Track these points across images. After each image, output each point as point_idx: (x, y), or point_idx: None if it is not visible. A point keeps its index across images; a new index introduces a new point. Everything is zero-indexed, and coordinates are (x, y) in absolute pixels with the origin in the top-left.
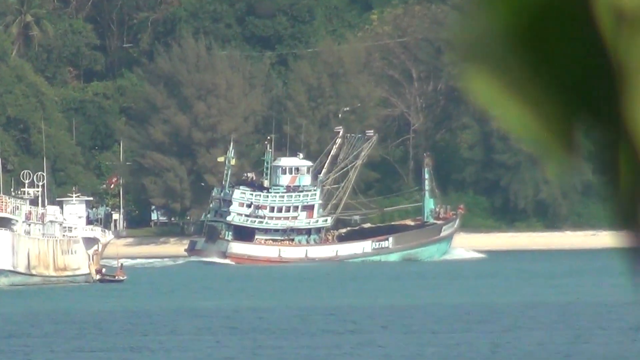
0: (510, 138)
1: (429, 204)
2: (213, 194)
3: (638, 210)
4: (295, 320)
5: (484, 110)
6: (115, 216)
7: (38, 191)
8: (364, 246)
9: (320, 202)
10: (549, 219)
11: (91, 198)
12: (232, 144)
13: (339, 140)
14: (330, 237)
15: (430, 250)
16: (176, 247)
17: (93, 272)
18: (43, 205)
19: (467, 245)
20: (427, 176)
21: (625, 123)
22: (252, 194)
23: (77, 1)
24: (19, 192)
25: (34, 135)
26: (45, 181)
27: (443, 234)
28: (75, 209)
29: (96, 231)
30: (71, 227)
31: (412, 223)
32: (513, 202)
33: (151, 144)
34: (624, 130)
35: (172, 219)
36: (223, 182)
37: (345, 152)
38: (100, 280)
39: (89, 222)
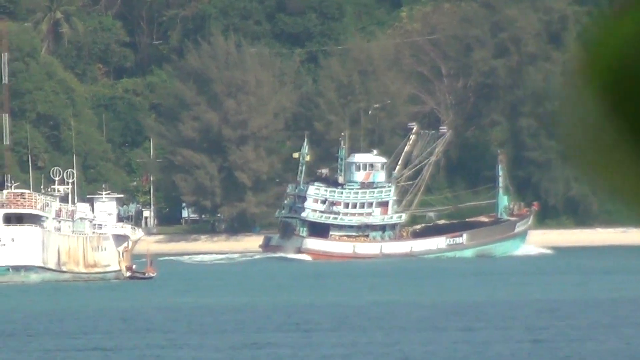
0: (541, 134)
1: (503, 200)
2: (288, 190)
3: None
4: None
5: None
6: (145, 213)
7: (68, 188)
8: (438, 242)
9: (395, 198)
10: (579, 216)
11: (121, 195)
12: (306, 139)
13: (412, 137)
14: (404, 234)
15: (504, 246)
16: (207, 245)
17: (123, 268)
18: (73, 203)
19: None
20: (500, 173)
21: None
22: (326, 190)
23: None
24: (49, 189)
25: (64, 132)
26: (75, 178)
27: (517, 230)
28: (106, 206)
29: (126, 228)
30: (101, 224)
31: (486, 219)
32: (544, 199)
33: (181, 141)
34: None
35: (203, 216)
36: (297, 179)
37: (419, 148)
38: (131, 277)
39: (120, 219)
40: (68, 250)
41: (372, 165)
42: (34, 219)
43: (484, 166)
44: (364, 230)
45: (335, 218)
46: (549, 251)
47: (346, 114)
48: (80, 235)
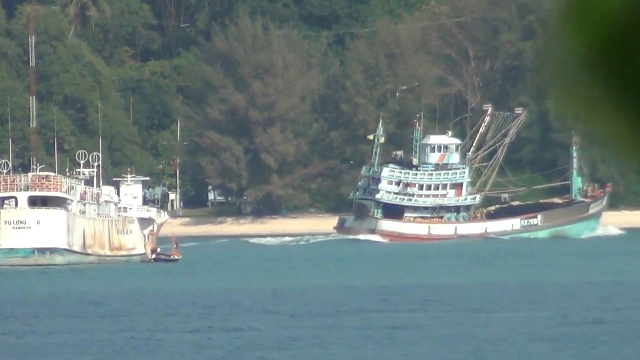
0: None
1: (577, 182)
2: (362, 172)
3: None
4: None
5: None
6: (171, 196)
7: (93, 171)
8: (513, 223)
9: (469, 179)
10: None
11: (147, 178)
12: (381, 121)
13: (487, 118)
14: (479, 215)
15: (578, 227)
16: (233, 227)
17: (148, 251)
18: (98, 185)
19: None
20: (575, 155)
21: None
22: (401, 172)
23: None
24: (75, 172)
25: (91, 114)
26: (100, 161)
27: (591, 211)
28: (131, 189)
29: (151, 211)
30: (126, 207)
31: (560, 201)
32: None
33: (208, 124)
34: None
35: (229, 198)
36: (372, 160)
37: (494, 130)
38: (156, 260)
39: (145, 202)
40: (93, 233)
41: (446, 147)
42: (59, 202)
43: (511, 148)
44: (438, 212)
45: (410, 199)
46: (622, 232)
47: (373, 96)
48: (105, 218)
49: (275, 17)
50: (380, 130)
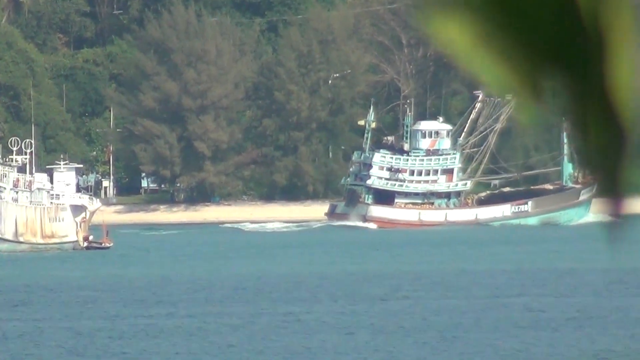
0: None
1: (568, 168)
2: (353, 158)
3: (608, 163)
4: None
5: (453, 58)
6: (105, 183)
7: (26, 158)
8: (504, 210)
9: (460, 165)
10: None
11: (81, 165)
12: (372, 107)
13: (478, 104)
14: (469, 201)
15: (569, 214)
16: (166, 215)
17: (80, 239)
18: (31, 173)
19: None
20: (565, 140)
21: (597, 80)
22: (392, 158)
23: None
24: (7, 160)
25: (24, 102)
26: (33, 148)
27: (582, 198)
28: (65, 177)
29: (84, 199)
30: (59, 195)
31: (551, 187)
32: (504, 168)
33: (141, 111)
34: (594, 86)
35: (162, 186)
36: (363, 146)
37: (485, 115)
38: (87, 248)
39: (79, 189)
40: (25, 221)
41: (437, 133)
42: None
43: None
44: (429, 198)
45: (401, 185)
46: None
47: (306, 83)
48: (37, 206)
49: (208, 3)
50: (371, 116)
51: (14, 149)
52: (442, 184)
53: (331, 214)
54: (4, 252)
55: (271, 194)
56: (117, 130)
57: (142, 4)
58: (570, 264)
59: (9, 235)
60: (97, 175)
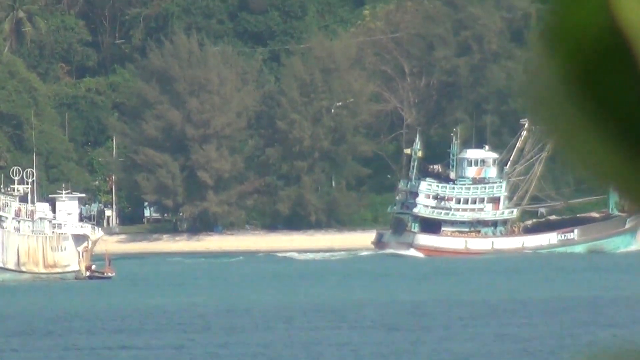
0: (503, 132)
1: (614, 196)
2: (399, 186)
3: None
4: None
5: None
6: (108, 213)
7: (28, 188)
8: (550, 238)
9: (506, 194)
10: None
11: (83, 195)
12: (418, 135)
13: (524, 133)
14: (516, 229)
15: (615, 241)
16: (169, 244)
17: (83, 268)
18: (33, 202)
19: None
20: None
21: None
22: (438, 186)
23: None
24: (9, 189)
25: (27, 131)
26: (34, 178)
27: (628, 226)
28: (67, 206)
29: (86, 228)
30: (61, 224)
31: (597, 215)
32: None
33: (144, 140)
34: None
35: (165, 215)
36: (409, 174)
37: (531, 143)
38: (90, 277)
39: (82, 219)
40: (27, 250)
41: (483, 161)
42: None
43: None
44: (475, 226)
45: (447, 214)
46: None
47: (309, 112)
48: (39, 235)
49: (210, 33)
50: (418, 144)
51: (16, 178)
52: (488, 212)
53: (378, 242)
54: (7, 282)
55: (274, 223)
56: (120, 159)
57: (144, 33)
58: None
59: (11, 265)
60: (100, 205)
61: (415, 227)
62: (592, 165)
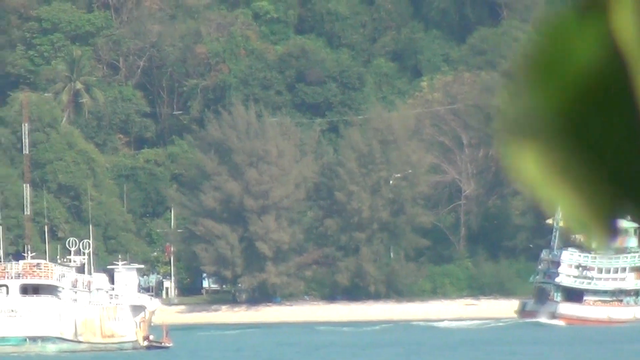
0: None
1: None
2: (542, 256)
3: None
4: None
5: (524, 187)
6: (166, 284)
7: (84, 259)
8: None
9: None
10: None
11: (142, 265)
12: (558, 206)
13: None
14: None
15: None
16: (228, 315)
17: (140, 338)
18: (90, 273)
19: None
20: None
21: None
22: (580, 256)
23: (126, 68)
24: (65, 260)
25: (85, 202)
26: (91, 248)
27: None
28: (125, 277)
29: (143, 298)
30: (118, 295)
31: None
32: None
33: (202, 211)
34: None
35: (224, 286)
36: (551, 244)
37: None
38: (148, 347)
39: (140, 289)
40: (85, 320)
41: (625, 231)
42: (50, 290)
43: (505, 235)
44: (617, 296)
45: (589, 283)
46: None
47: (367, 183)
48: (96, 306)
49: (268, 104)
50: (560, 214)
51: (72, 249)
52: (630, 282)
53: (522, 311)
54: (65, 352)
55: (333, 294)
56: (178, 230)
57: (202, 104)
58: None
59: (68, 335)
60: (159, 276)
61: (558, 297)
62: (572, 203)
